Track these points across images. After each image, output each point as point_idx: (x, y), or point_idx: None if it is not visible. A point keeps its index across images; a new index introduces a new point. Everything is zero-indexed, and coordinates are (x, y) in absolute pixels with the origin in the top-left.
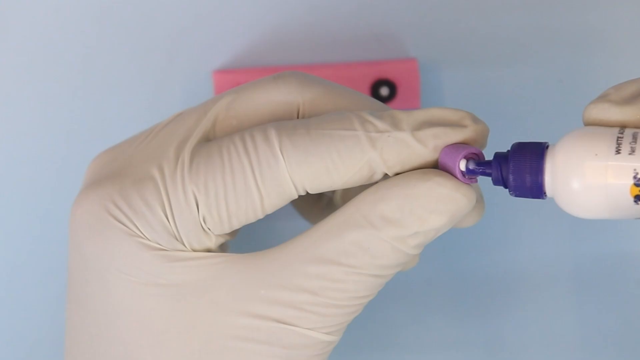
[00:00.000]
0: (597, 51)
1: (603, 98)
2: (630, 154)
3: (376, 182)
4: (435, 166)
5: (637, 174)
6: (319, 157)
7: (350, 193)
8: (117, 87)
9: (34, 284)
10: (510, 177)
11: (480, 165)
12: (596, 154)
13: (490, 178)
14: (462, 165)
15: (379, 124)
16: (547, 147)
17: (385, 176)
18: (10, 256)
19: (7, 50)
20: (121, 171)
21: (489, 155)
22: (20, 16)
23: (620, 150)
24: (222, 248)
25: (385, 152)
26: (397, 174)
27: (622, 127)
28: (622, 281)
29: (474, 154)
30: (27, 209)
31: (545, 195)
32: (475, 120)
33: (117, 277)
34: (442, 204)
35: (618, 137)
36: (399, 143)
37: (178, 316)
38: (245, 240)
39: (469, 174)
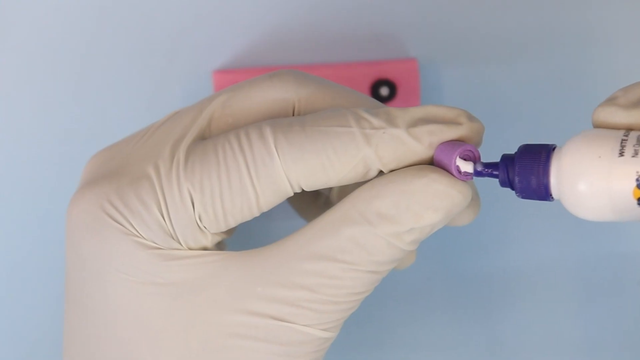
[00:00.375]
0: (596, 50)
1: (611, 101)
2: (633, 156)
3: (372, 179)
4: (431, 163)
5: (639, 176)
6: (315, 154)
7: (346, 191)
8: (117, 87)
9: (33, 284)
10: (516, 179)
11: (487, 167)
12: (599, 156)
13: (486, 178)
14: (459, 162)
15: (374, 121)
16: (554, 149)
17: (381, 173)
18: (10, 256)
19: (7, 50)
20: (117, 170)
21: (484, 153)
22: (20, 16)
23: (623, 152)
24: (219, 246)
25: (380, 149)
26: (393, 170)
27: (628, 129)
28: (623, 282)
29: (470, 151)
30: (26, 208)
31: (552, 198)
32: (470, 118)
33: (115, 276)
34: (438, 200)
35: (622, 140)
36: (394, 140)
37: (176, 315)
38: (243, 239)
39: (477, 176)
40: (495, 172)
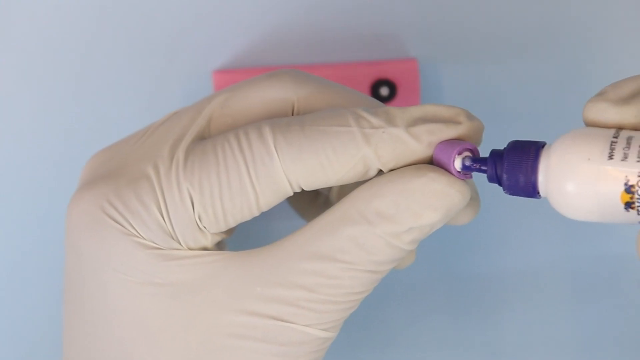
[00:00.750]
0: (596, 50)
1: (601, 96)
2: (622, 160)
3: (371, 179)
4: (430, 163)
5: (628, 180)
6: (314, 154)
7: (346, 190)
8: (117, 87)
9: (33, 284)
10: (504, 176)
11: (475, 162)
12: (589, 158)
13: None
14: (457, 162)
15: (374, 120)
16: (543, 146)
17: (380, 172)
18: (10, 256)
19: (7, 50)
20: (117, 170)
21: (484, 152)
22: (20, 16)
23: (613, 155)
24: (219, 246)
25: (379, 148)
26: (392, 170)
27: (619, 128)
28: (621, 282)
29: (469, 150)
30: (26, 208)
31: (539, 195)
32: (469, 117)
33: (114, 276)
34: (436, 200)
35: (612, 142)
36: (394, 139)
37: (175, 315)
38: (243, 240)
39: (465, 170)
40: (483, 168)
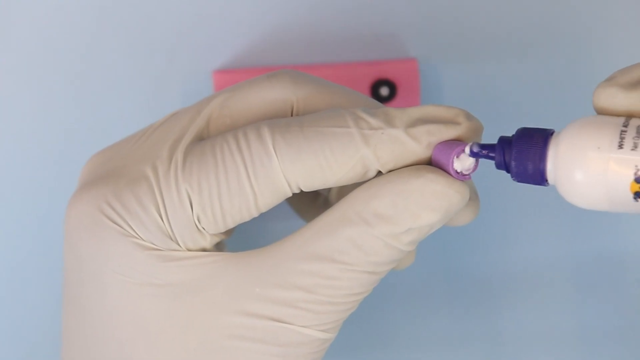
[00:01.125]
0: (596, 50)
1: (610, 81)
2: (632, 149)
3: (370, 180)
4: (429, 163)
5: (638, 170)
6: (312, 155)
7: (345, 191)
8: (117, 87)
9: (33, 284)
10: (513, 163)
11: (484, 149)
12: (598, 147)
13: (484, 172)
14: (456, 163)
15: (373, 121)
16: (552, 134)
17: (379, 173)
18: (10, 256)
19: (7, 50)
20: (115, 171)
21: None
22: (20, 16)
23: (622, 144)
24: (218, 247)
25: (378, 149)
26: (391, 171)
27: (629, 116)
28: (622, 280)
29: None
30: (26, 208)
31: (547, 183)
32: (469, 117)
33: (112, 277)
34: (435, 200)
35: (622, 131)
36: (393, 140)
37: (174, 316)
38: (242, 240)
39: (472, 157)
40: (491, 154)
